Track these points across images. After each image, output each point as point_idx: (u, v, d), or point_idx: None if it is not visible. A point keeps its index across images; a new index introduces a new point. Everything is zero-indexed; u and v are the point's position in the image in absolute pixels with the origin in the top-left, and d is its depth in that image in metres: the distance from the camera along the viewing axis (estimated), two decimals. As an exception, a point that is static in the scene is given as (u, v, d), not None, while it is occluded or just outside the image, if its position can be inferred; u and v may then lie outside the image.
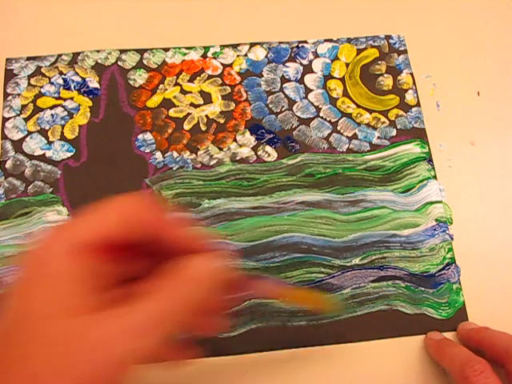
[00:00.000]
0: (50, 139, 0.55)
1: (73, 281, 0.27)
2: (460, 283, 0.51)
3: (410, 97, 0.58)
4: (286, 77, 0.59)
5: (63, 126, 0.56)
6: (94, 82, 0.58)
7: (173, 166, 0.54)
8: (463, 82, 0.59)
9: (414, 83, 0.59)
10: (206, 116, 0.57)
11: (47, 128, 0.56)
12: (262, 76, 0.59)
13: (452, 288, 0.50)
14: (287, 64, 0.59)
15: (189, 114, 0.57)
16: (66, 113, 0.56)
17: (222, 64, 0.59)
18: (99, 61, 0.59)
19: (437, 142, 0.56)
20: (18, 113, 0.56)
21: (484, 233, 0.53)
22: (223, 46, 0.60)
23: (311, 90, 0.58)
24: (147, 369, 0.47)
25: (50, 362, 0.25)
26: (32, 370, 0.24)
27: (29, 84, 0.57)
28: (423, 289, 0.50)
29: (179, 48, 0.60)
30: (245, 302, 0.49)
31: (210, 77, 0.59)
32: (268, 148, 0.55)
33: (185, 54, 0.59)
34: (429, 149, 0.56)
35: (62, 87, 0.57)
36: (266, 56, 0.60)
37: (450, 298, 0.50)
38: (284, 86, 0.58)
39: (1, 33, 0.60)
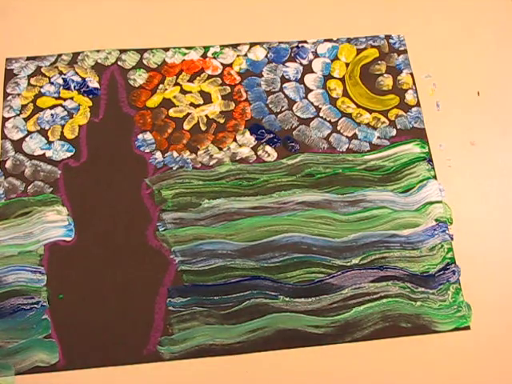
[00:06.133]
0: (50, 139, 0.55)
1: None
2: (460, 283, 0.51)
3: (409, 97, 0.58)
4: (286, 77, 0.59)
5: (63, 126, 0.56)
6: (94, 82, 0.58)
7: (173, 165, 0.54)
8: (463, 82, 0.59)
9: (414, 83, 0.59)
10: (206, 116, 0.57)
11: (47, 128, 0.56)
12: (262, 76, 0.59)
13: (452, 288, 0.50)
14: (287, 64, 0.59)
15: (189, 113, 0.57)
16: (65, 113, 0.56)
17: (221, 64, 0.59)
18: (99, 61, 0.59)
19: (437, 142, 0.56)
20: (18, 113, 0.56)
21: (484, 233, 0.53)
22: (223, 46, 0.60)
23: (311, 90, 0.58)
24: (147, 368, 0.47)
25: None
26: None
27: (29, 84, 0.57)
28: (423, 289, 0.50)
29: (179, 48, 0.60)
30: (244, 302, 0.49)
31: (209, 77, 0.59)
32: (268, 148, 0.55)
33: (185, 54, 0.59)
34: (429, 149, 0.56)
35: (61, 87, 0.57)
36: (266, 56, 0.60)
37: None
38: (284, 85, 0.58)
39: (1, 33, 0.60)
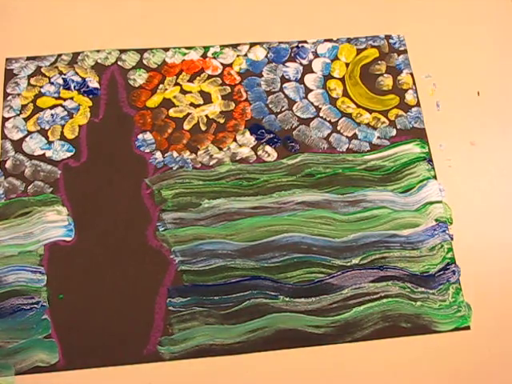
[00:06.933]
0: (50, 139, 0.55)
1: None
2: (460, 283, 0.51)
3: (409, 97, 0.58)
4: (286, 77, 0.59)
5: (63, 126, 0.56)
6: (93, 82, 0.58)
7: (173, 165, 0.54)
8: (463, 82, 0.59)
9: (414, 83, 0.59)
10: (206, 116, 0.57)
11: (47, 128, 0.56)
12: (262, 76, 0.59)
13: (452, 288, 0.50)
14: (287, 64, 0.59)
15: (189, 113, 0.57)
16: (65, 113, 0.56)
17: (221, 64, 0.59)
18: (99, 61, 0.59)
19: (437, 141, 0.56)
20: (18, 113, 0.56)
21: (484, 233, 0.53)
22: (223, 46, 0.60)
23: (311, 90, 0.58)
24: (147, 368, 0.47)
25: None
26: None
27: (29, 84, 0.57)
28: (423, 289, 0.50)
29: (179, 48, 0.60)
30: (244, 302, 0.49)
31: (209, 77, 0.59)
32: (268, 148, 0.55)
33: (185, 54, 0.59)
34: (429, 149, 0.56)
35: (61, 87, 0.57)
36: (266, 56, 0.60)
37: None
38: (284, 85, 0.58)
39: (1, 33, 0.60)
